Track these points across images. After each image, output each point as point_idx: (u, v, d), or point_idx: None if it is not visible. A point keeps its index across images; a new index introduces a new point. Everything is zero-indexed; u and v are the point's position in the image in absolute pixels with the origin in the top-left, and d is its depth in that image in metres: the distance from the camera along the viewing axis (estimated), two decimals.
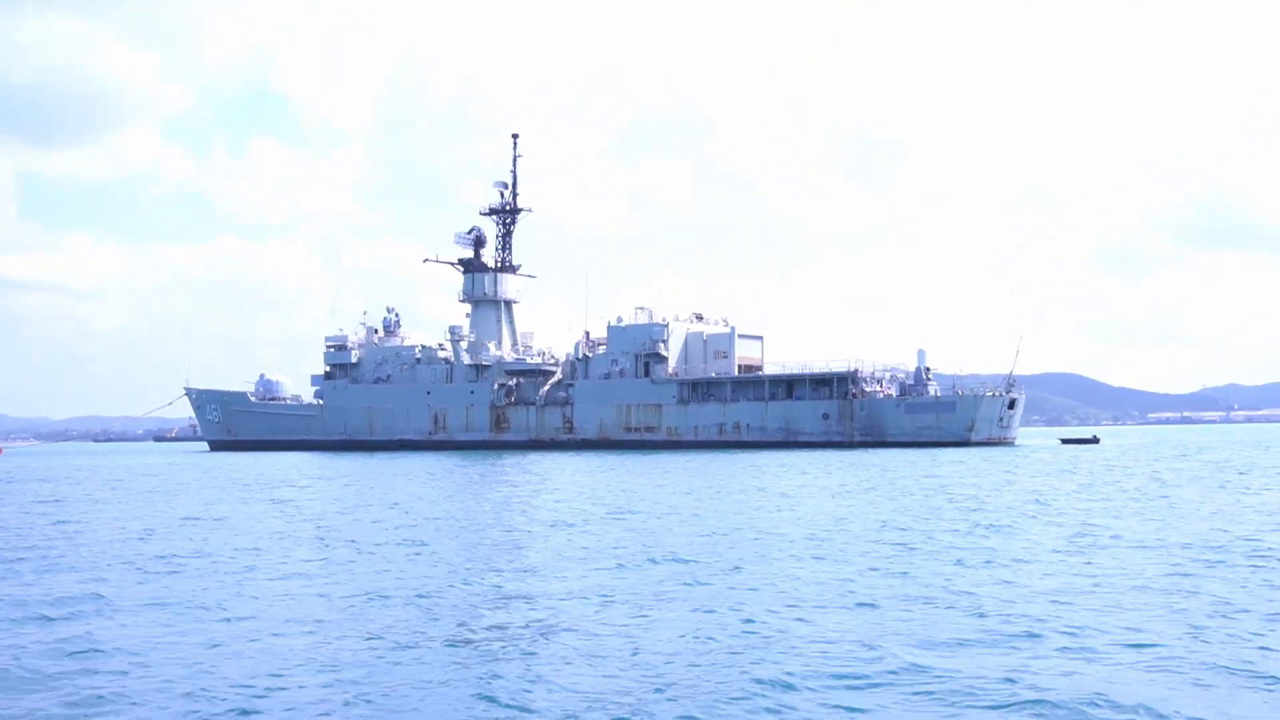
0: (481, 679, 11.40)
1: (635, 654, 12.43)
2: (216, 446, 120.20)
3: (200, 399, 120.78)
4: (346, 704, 10.57)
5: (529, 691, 10.88)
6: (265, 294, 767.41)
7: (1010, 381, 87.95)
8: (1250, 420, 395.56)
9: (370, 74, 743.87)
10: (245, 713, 10.38)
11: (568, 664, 12.04)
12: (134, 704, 10.72)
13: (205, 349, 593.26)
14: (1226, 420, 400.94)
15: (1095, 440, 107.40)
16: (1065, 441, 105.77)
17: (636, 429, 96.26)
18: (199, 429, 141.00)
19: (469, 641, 13.34)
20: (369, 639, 13.57)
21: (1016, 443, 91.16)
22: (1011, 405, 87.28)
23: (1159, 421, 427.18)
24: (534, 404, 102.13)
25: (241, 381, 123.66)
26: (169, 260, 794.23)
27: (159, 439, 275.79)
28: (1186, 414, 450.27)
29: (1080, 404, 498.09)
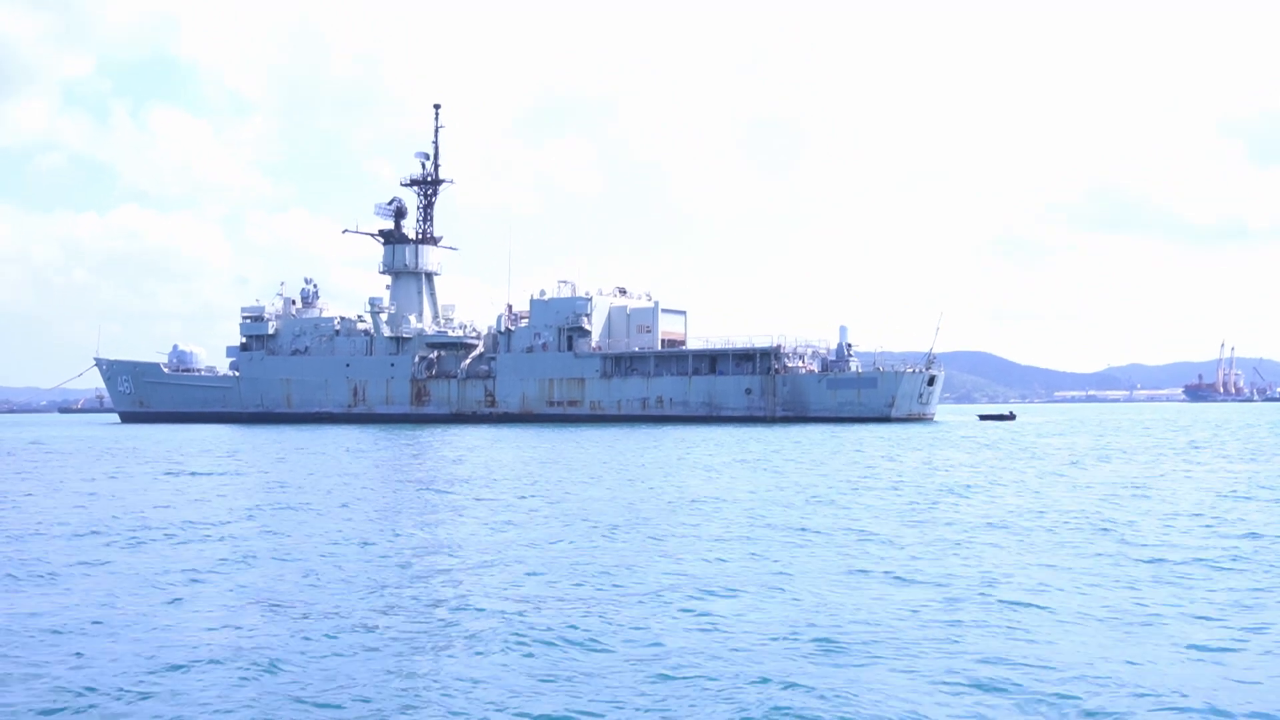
0: (396, 656, 11.23)
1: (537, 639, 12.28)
2: (128, 418, 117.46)
3: (111, 370, 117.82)
4: (254, 686, 10.27)
5: (440, 673, 10.69)
6: (168, 266, 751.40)
7: (930, 359, 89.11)
8: (1152, 399, 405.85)
9: (275, 45, 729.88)
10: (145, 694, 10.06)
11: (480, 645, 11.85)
12: (36, 675, 10.45)
13: (107, 321, 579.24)
14: (1129, 399, 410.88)
15: (1012, 416, 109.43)
16: (983, 418, 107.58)
17: (559, 403, 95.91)
18: (107, 400, 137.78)
19: (380, 621, 13.11)
20: (279, 619, 13.25)
21: (935, 419, 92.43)
22: (931, 382, 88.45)
23: (1065, 400, 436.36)
24: (455, 377, 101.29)
25: (153, 353, 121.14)
26: (68, 231, 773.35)
27: (64, 410, 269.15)
28: (1091, 393, 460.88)
29: (989, 382, 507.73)
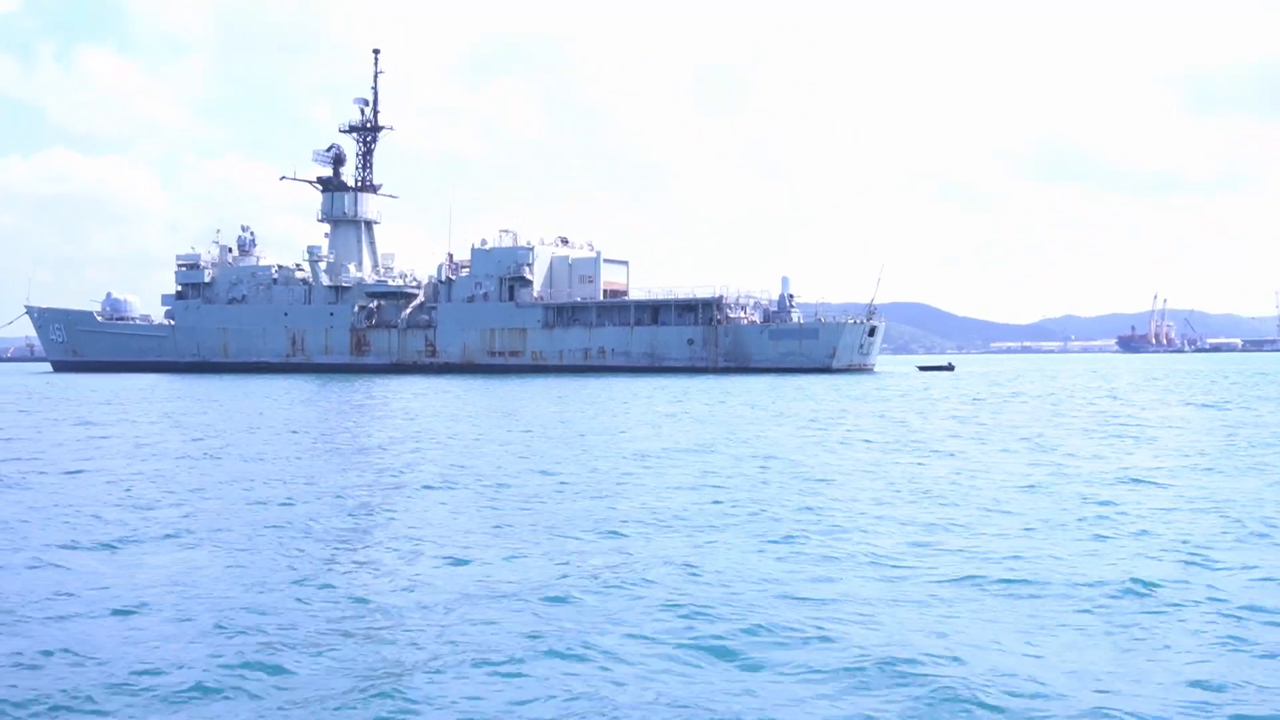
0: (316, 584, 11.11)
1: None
2: (60, 367, 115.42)
3: (43, 318, 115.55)
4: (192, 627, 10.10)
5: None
6: (101, 211, 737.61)
7: (871, 310, 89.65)
8: (1086, 350, 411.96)
9: None
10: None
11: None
12: None
13: (38, 267, 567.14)
14: (1064, 350, 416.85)
15: (950, 368, 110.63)
16: (922, 369, 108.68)
17: (501, 353, 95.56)
18: (39, 349, 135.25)
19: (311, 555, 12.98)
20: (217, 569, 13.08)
21: (875, 370, 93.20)
22: (872, 333, 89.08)
23: (1001, 351, 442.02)
24: (396, 327, 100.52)
25: (86, 300, 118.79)
26: None
27: None
28: (1027, 344, 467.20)
29: (927, 333, 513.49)
